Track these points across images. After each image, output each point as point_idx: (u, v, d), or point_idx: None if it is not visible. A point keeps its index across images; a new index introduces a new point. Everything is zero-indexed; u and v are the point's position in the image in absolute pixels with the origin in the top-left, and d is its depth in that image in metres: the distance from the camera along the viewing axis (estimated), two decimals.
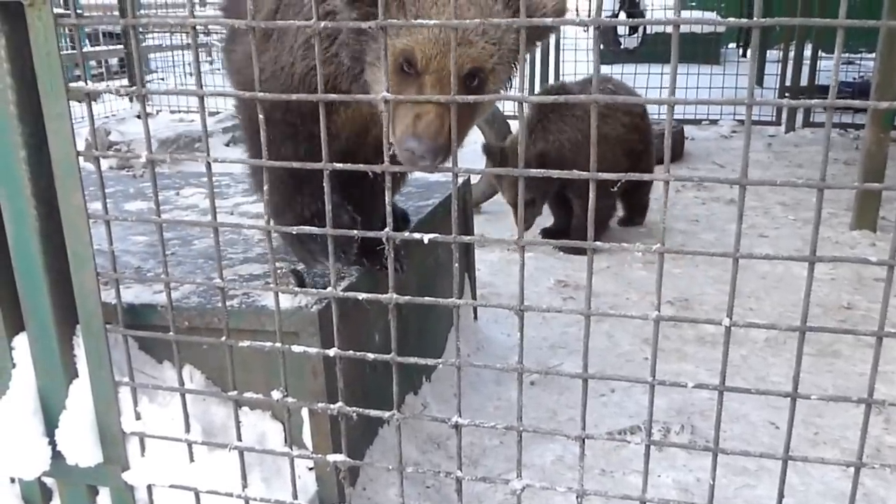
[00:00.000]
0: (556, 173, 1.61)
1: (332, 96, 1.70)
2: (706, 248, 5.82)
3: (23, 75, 1.84)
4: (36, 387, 2.17)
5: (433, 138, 1.84)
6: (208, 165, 1.75)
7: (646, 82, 9.25)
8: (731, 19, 1.61)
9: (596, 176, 1.53)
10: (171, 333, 1.98)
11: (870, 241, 5.97)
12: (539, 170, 1.62)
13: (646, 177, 1.59)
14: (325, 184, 1.71)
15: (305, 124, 2.36)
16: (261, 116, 1.69)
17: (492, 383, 3.65)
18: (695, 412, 3.47)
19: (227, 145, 8.70)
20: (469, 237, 1.81)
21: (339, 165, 1.71)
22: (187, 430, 2.08)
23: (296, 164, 1.78)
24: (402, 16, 1.99)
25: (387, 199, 1.72)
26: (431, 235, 1.71)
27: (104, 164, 6.74)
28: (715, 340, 4.19)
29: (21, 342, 2.16)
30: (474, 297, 4.21)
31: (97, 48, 12.05)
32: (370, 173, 1.77)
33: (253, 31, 1.62)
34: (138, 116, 10.10)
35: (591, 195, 1.55)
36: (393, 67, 1.95)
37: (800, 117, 10.44)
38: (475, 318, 4.18)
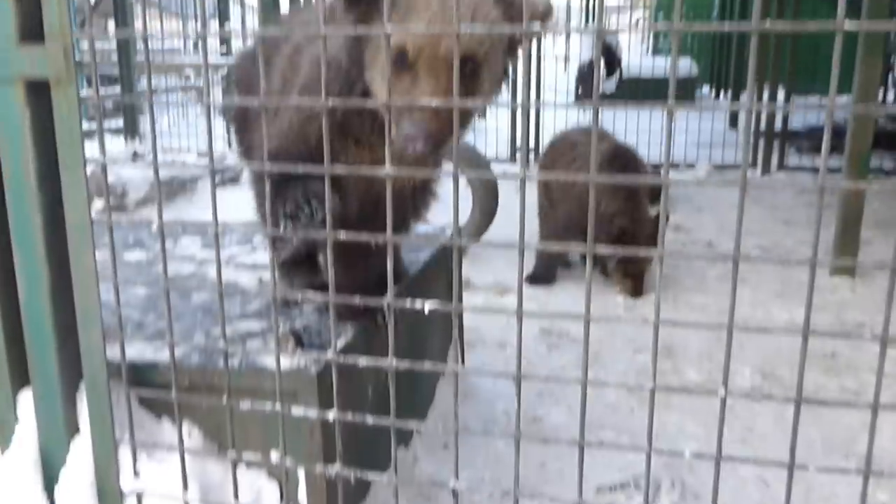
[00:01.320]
0: (554, 245, 1.68)
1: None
2: (687, 293, 5.97)
3: (44, 147, 1.91)
4: (38, 442, 2.21)
5: (429, 122, 1.94)
6: (216, 235, 1.80)
7: (624, 126, 9.40)
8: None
9: (594, 249, 1.60)
10: (173, 393, 2.03)
11: (849, 286, 6.08)
12: (538, 244, 1.69)
13: (641, 252, 1.66)
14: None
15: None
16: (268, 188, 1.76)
17: (480, 435, 3.70)
18: (683, 466, 3.51)
19: (217, 186, 8.73)
20: (467, 308, 1.86)
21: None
22: (185, 488, 2.11)
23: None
24: (395, 16, 2.10)
25: (388, 266, 1.77)
26: (431, 305, 1.77)
27: (99, 203, 6.76)
28: (700, 390, 4.24)
29: (26, 397, 2.20)
30: (462, 342, 4.26)
31: (92, 91, 12.11)
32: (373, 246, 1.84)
33: (265, 110, 1.69)
34: (133, 157, 10.17)
35: (588, 266, 1.61)
36: (390, 66, 2.03)
37: (774, 160, 10.64)
38: (462, 363, 4.22)
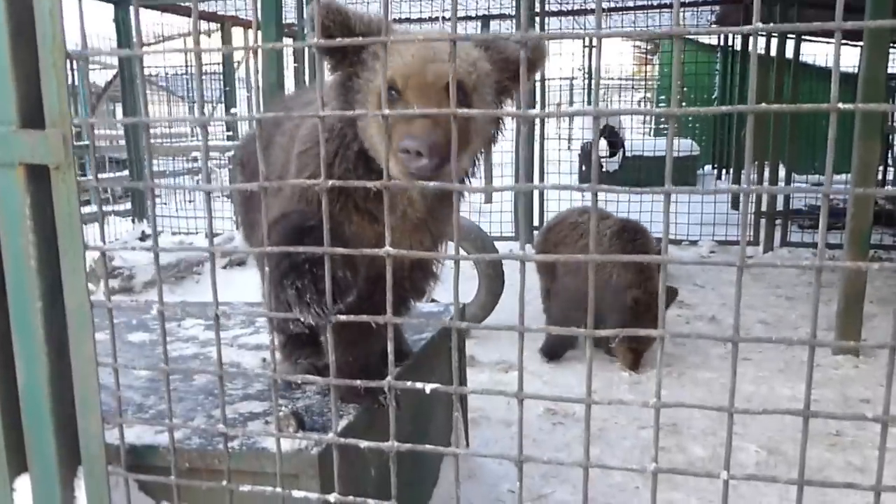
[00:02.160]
0: (554, 329, 1.69)
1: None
2: (691, 369, 5.95)
3: (43, 232, 1.92)
4: None
5: (427, 134, 1.95)
6: (216, 318, 1.81)
7: (627, 207, 9.48)
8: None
9: (593, 333, 1.60)
10: (172, 477, 2.01)
11: (853, 363, 6.06)
12: (539, 328, 1.69)
13: (641, 332, 1.66)
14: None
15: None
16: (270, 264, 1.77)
17: None
18: None
19: (225, 268, 8.77)
20: (469, 389, 1.86)
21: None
22: None
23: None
24: (376, 63, 2.21)
25: (389, 348, 1.77)
26: (433, 386, 1.77)
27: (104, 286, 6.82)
28: (706, 470, 4.19)
29: (23, 483, 2.17)
30: (466, 422, 4.24)
31: (102, 175, 12.24)
32: (373, 324, 1.83)
33: (264, 191, 1.71)
34: (141, 238, 10.22)
35: (588, 350, 1.61)
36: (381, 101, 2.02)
37: (777, 238, 10.71)
38: (467, 444, 4.19)
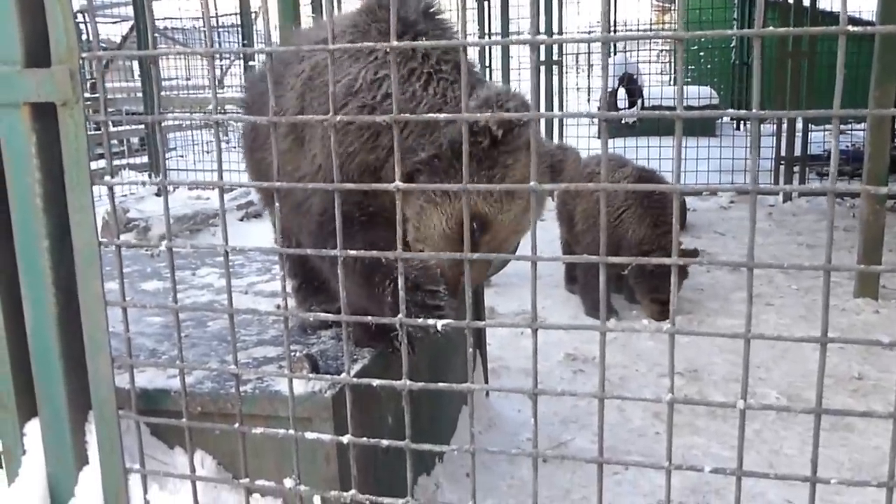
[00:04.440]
0: (564, 258, 1.64)
1: (348, 186, 1.73)
2: (711, 316, 5.89)
3: (50, 169, 1.89)
4: (46, 473, 2.16)
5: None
6: (226, 254, 1.77)
7: (646, 154, 9.37)
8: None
9: (605, 260, 1.55)
10: (183, 420, 1.98)
11: (873, 308, 6.00)
12: (551, 256, 1.64)
13: (653, 261, 1.61)
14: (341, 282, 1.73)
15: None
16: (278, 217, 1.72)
17: (504, 462, 3.63)
18: (710, 491, 3.43)
19: (241, 220, 8.76)
20: (482, 322, 1.81)
21: (352, 253, 1.72)
22: None
23: (311, 252, 1.80)
24: None
25: (399, 283, 1.73)
26: (444, 322, 1.73)
27: (123, 237, 6.80)
28: (726, 414, 4.16)
29: (33, 428, 2.16)
30: (486, 372, 4.21)
31: (119, 128, 12.20)
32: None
33: (274, 126, 1.66)
34: (157, 194, 10.19)
35: (602, 279, 1.57)
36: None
37: (795, 184, 10.64)
38: (486, 394, 4.17)
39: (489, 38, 16.75)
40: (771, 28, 1.39)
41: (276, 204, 1.77)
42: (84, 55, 1.83)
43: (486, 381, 4.21)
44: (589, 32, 17.29)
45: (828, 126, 13.36)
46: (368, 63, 2.48)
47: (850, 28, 1.32)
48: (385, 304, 2.34)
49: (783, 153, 10.91)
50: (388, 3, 1.54)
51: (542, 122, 9.34)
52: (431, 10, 2.61)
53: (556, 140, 11.10)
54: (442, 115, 1.72)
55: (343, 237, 1.68)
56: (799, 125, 11.13)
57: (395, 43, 1.54)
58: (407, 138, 2.37)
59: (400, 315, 1.73)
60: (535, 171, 1.51)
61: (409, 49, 2.43)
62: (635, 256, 5.75)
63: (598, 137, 1.52)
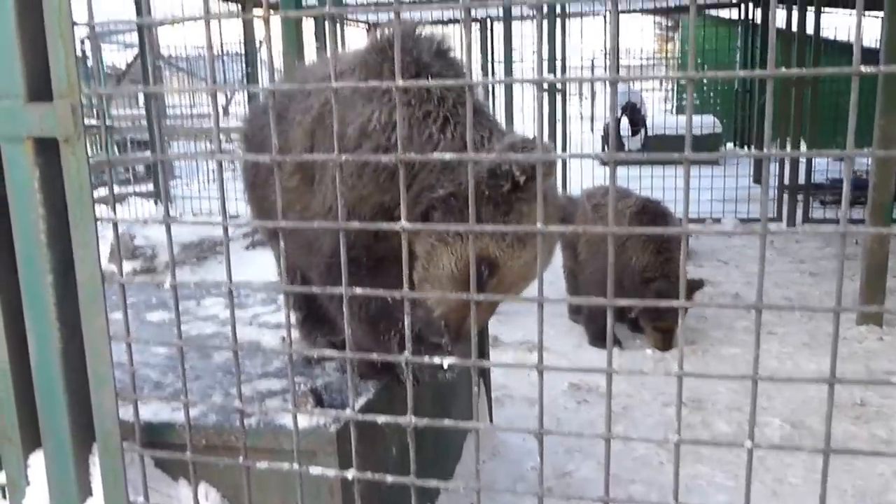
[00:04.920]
0: (571, 299, 1.63)
1: (354, 224, 1.73)
2: (716, 345, 5.88)
3: (53, 205, 1.90)
4: None
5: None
6: (230, 292, 1.78)
7: (650, 184, 9.38)
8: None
9: (613, 303, 1.55)
10: (188, 453, 1.98)
11: (877, 335, 6.00)
12: (558, 298, 1.64)
13: (662, 303, 1.60)
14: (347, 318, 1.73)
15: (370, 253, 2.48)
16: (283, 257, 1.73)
17: (508, 494, 3.61)
18: None
19: (247, 248, 8.76)
20: (487, 362, 1.81)
21: (359, 291, 1.72)
22: None
23: (315, 290, 1.80)
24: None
25: (406, 322, 1.73)
26: (450, 360, 1.73)
27: (126, 266, 6.79)
28: (730, 441, 4.15)
29: (37, 460, 2.16)
30: (490, 401, 4.20)
31: (125, 156, 12.25)
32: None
33: (278, 165, 1.67)
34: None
35: (609, 321, 1.57)
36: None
37: (799, 213, 10.64)
38: (490, 421, 4.15)
39: (492, 64, 16.81)
40: (784, 69, 1.39)
41: (281, 243, 1.78)
42: (86, 91, 1.84)
43: (491, 411, 4.20)
44: (592, 60, 17.40)
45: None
46: (382, 105, 2.45)
47: (864, 69, 1.33)
48: (391, 352, 2.35)
49: (787, 181, 10.90)
50: (401, 42, 1.55)
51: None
52: (444, 49, 2.60)
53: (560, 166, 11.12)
54: (448, 155, 1.71)
55: (350, 281, 1.67)
56: (803, 150, 11.11)
57: (400, 82, 1.55)
58: (427, 177, 2.37)
59: (406, 353, 1.73)
60: (541, 213, 1.51)
61: (423, 91, 2.42)
62: (638, 285, 5.79)
63: (603, 164, 1.52)
